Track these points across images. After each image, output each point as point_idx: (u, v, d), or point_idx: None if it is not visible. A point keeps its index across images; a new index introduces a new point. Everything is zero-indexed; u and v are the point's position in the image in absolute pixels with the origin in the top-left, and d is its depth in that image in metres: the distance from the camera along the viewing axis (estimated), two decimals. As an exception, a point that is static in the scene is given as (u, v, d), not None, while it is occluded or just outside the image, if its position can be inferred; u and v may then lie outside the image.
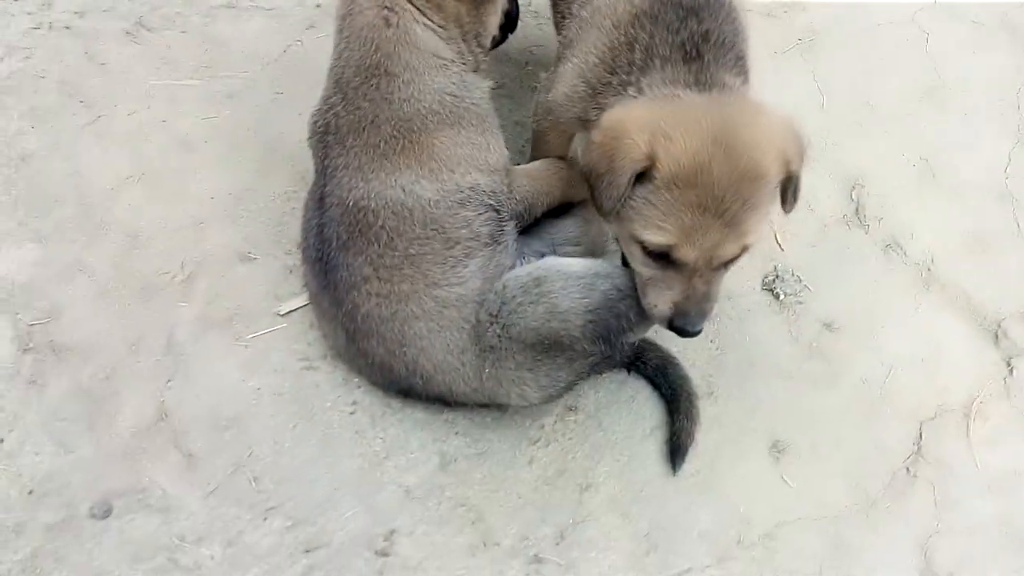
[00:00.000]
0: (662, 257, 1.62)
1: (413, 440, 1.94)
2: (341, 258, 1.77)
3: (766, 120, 1.60)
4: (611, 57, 1.74)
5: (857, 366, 2.13)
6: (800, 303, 2.21)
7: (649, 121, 1.54)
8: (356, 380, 1.99)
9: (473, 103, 1.85)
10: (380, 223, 1.74)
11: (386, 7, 1.78)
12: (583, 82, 1.80)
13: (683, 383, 1.97)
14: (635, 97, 1.67)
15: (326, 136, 1.83)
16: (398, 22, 1.78)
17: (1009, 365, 2.15)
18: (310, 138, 1.90)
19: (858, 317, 2.20)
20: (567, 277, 1.77)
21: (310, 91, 2.43)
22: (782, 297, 2.21)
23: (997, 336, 2.20)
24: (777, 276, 2.24)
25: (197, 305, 2.07)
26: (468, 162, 1.82)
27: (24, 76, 2.43)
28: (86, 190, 2.23)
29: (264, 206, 2.24)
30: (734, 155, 1.51)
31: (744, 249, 1.63)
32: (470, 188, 1.81)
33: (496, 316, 1.77)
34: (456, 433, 1.96)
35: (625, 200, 1.58)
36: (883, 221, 2.35)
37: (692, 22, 1.69)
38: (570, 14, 1.92)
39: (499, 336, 1.76)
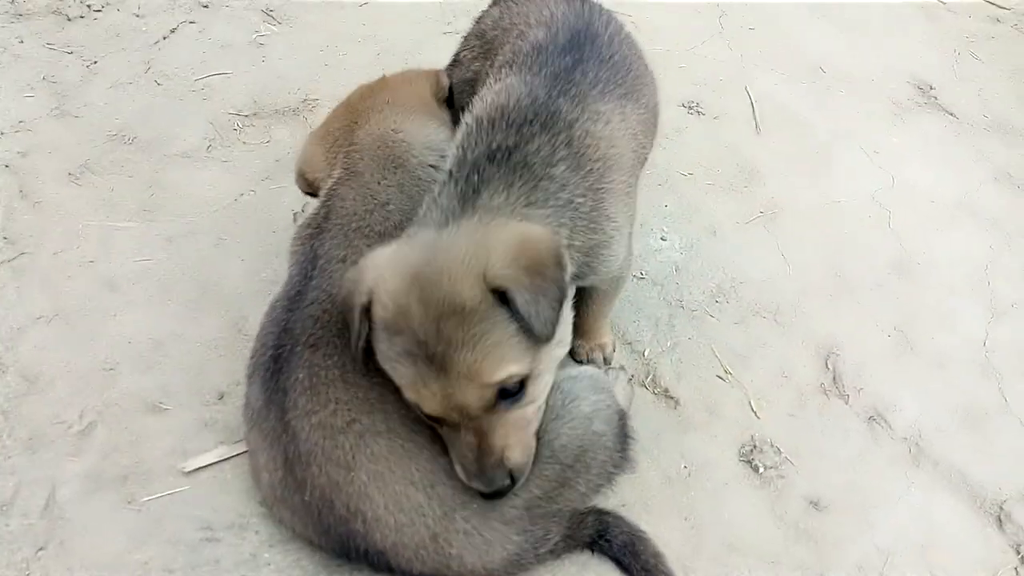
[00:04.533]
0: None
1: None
2: (305, 357, 1.56)
3: (474, 241, 1.40)
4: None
5: (850, 551, 1.86)
6: (782, 477, 1.98)
7: (377, 262, 1.43)
8: (266, 555, 1.66)
9: None
10: None
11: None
12: None
13: (658, 562, 1.68)
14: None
15: (326, 222, 1.73)
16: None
17: (1019, 553, 1.89)
18: (296, 238, 1.80)
19: (846, 495, 1.96)
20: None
21: (257, 238, 2.34)
22: (762, 470, 1.98)
23: (1000, 520, 1.96)
24: (755, 447, 2.03)
25: (90, 460, 1.79)
26: None
27: (-52, 211, 2.29)
28: (-12, 328, 2.01)
29: (187, 352, 2.02)
30: (428, 291, 1.35)
31: (501, 385, 1.40)
32: None
33: None
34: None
35: (363, 345, 1.43)
36: (863, 391, 2.19)
37: (506, 131, 1.55)
38: None
39: None
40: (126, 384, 1.93)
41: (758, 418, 2.10)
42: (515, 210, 1.47)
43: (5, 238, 2.23)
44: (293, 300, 1.65)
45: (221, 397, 1.92)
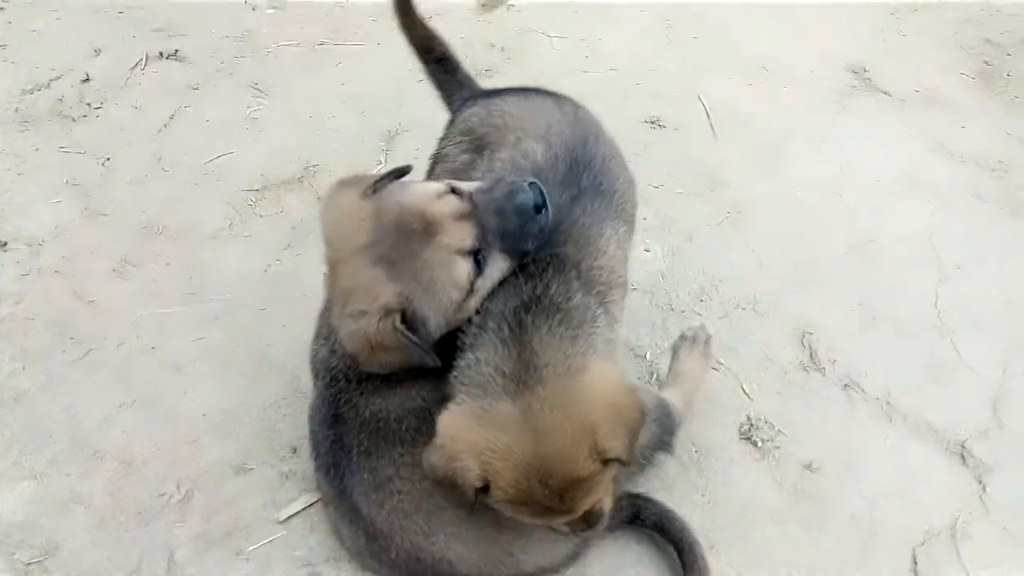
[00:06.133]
0: None
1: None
2: (363, 463, 1.82)
3: (574, 421, 1.57)
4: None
5: (843, 503, 2.21)
6: (778, 448, 2.32)
7: (476, 447, 1.58)
8: (369, 578, 1.99)
9: None
10: (404, 427, 1.81)
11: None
12: None
13: (684, 533, 2.01)
14: (469, 371, 1.67)
15: (336, 380, 1.87)
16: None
17: (981, 483, 2.26)
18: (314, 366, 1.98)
19: (834, 455, 2.31)
20: None
21: (292, 303, 2.65)
22: (760, 444, 2.32)
23: (963, 457, 2.32)
24: (751, 425, 2.37)
25: (195, 523, 2.09)
26: None
27: (15, 320, 2.56)
28: (79, 423, 2.29)
29: (256, 416, 2.32)
30: (547, 475, 1.55)
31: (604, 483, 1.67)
32: None
33: None
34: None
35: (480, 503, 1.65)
36: (836, 363, 2.53)
37: (528, 284, 1.73)
38: None
39: None
40: (210, 453, 2.23)
41: (751, 399, 2.43)
42: (567, 354, 1.65)
43: (71, 338, 2.50)
44: (335, 419, 1.86)
45: (294, 451, 2.23)
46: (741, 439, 2.34)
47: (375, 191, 1.67)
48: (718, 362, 2.53)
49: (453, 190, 1.68)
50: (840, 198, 3.11)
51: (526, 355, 1.62)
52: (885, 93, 3.69)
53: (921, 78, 3.77)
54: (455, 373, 1.69)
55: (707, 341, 2.41)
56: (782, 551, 2.11)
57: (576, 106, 2.13)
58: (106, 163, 3.16)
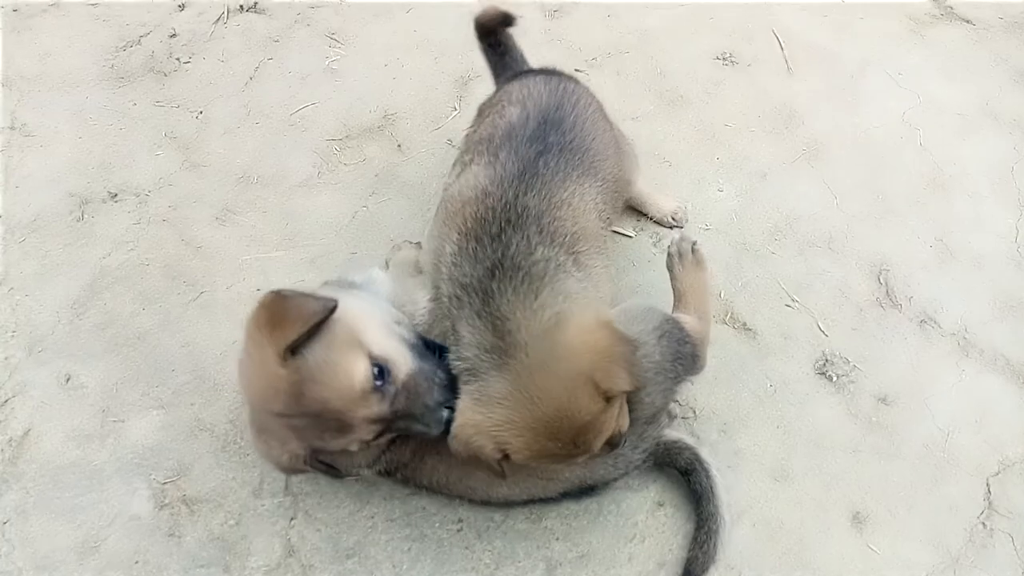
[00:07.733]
0: None
1: (519, 550, 2.11)
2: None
3: (566, 374, 1.63)
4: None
5: (917, 434, 2.29)
6: (852, 382, 2.40)
7: (482, 427, 1.67)
8: (458, 499, 2.18)
9: None
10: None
11: None
12: None
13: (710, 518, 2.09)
14: (457, 355, 1.76)
15: (389, 472, 2.10)
16: None
17: (1058, 416, 2.30)
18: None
19: (909, 389, 2.38)
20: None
21: (380, 247, 2.80)
22: (835, 379, 2.40)
23: (1040, 390, 2.36)
24: (827, 360, 2.44)
25: (308, 448, 2.30)
26: None
27: (131, 266, 2.78)
28: (198, 358, 2.51)
29: (354, 353, 2.50)
30: (557, 431, 1.64)
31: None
32: None
33: None
34: (557, 539, 2.12)
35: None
36: (913, 299, 2.57)
37: (491, 246, 1.79)
38: None
39: None
40: (316, 386, 2.43)
41: (826, 336, 2.50)
42: (535, 310, 1.70)
43: (185, 282, 2.72)
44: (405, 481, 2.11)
45: (391, 385, 2.41)
46: (816, 374, 2.43)
47: (293, 353, 1.72)
48: (793, 300, 2.60)
49: (378, 385, 1.71)
50: (917, 131, 3.08)
51: (499, 324, 1.68)
52: (967, 21, 3.57)
53: (1005, 6, 3.63)
54: (451, 357, 1.78)
55: (693, 248, 2.29)
56: (855, 478, 2.21)
57: (566, 81, 2.23)
58: (199, 116, 3.32)
